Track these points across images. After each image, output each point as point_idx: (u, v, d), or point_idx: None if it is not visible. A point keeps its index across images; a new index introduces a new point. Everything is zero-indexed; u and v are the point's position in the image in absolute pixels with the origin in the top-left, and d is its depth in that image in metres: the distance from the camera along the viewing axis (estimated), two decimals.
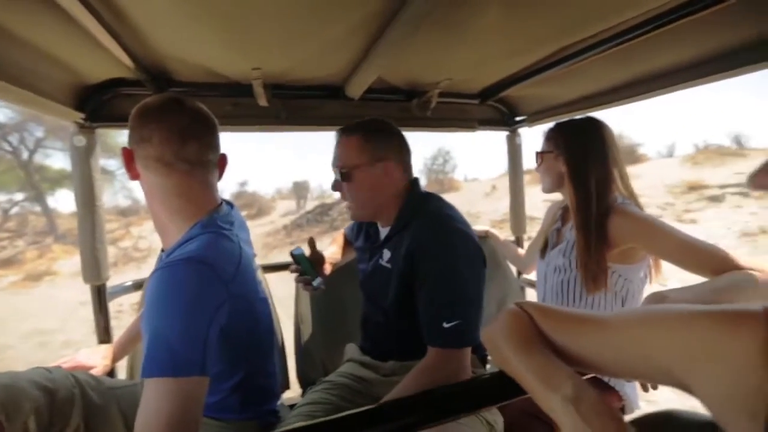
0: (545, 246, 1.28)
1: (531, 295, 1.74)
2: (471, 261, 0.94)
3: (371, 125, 1.06)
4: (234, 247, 0.80)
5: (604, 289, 1.08)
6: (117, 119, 1.21)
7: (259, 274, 1.01)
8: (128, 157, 0.82)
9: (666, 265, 1.12)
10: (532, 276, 1.64)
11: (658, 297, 0.82)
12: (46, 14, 0.74)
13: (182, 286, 0.67)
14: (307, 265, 1.10)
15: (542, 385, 0.43)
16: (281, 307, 1.37)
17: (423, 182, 1.20)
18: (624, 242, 1.05)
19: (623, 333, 0.44)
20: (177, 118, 0.80)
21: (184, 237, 0.79)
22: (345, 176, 1.04)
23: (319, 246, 1.21)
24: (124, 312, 5.00)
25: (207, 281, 0.70)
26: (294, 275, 1.12)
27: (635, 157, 15.00)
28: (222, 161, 0.90)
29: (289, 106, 1.36)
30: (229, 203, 0.91)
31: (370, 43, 0.96)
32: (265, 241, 12.11)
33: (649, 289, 1.06)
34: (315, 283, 1.07)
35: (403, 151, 1.08)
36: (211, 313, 0.68)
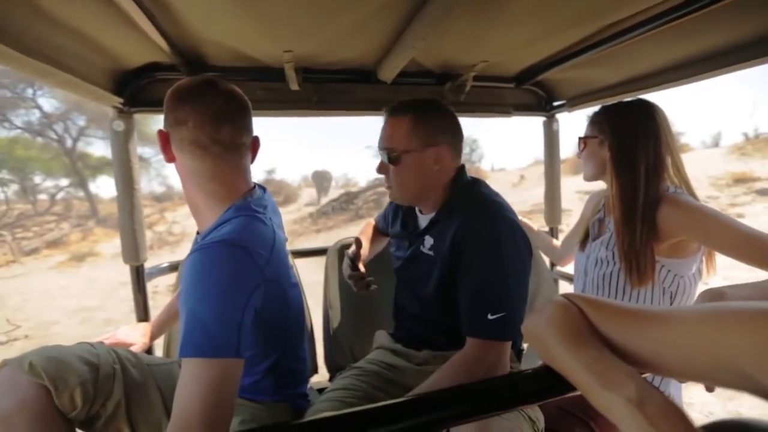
0: (585, 237, 1.22)
1: (564, 288, 1.68)
2: (519, 251, 0.90)
3: (423, 106, 0.99)
4: (268, 230, 0.80)
5: (650, 283, 1.01)
6: (153, 104, 1.23)
7: (290, 259, 1.01)
8: (164, 140, 0.82)
9: None
10: (567, 269, 1.57)
11: (715, 294, 0.75)
12: None
13: (218, 268, 0.68)
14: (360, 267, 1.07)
15: (599, 384, 0.40)
16: (308, 292, 1.37)
17: None
18: (675, 234, 0.98)
19: (689, 330, 0.40)
20: (211, 100, 0.79)
21: (219, 220, 0.79)
22: (392, 159, 0.99)
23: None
24: (160, 293, 5.24)
25: (242, 265, 0.70)
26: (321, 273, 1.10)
27: None
28: (255, 144, 0.90)
29: (321, 90, 1.34)
30: (261, 187, 0.91)
31: (402, 24, 0.92)
32: (292, 228, 12.32)
33: (700, 286, 0.99)
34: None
35: (455, 136, 1.02)
36: (247, 296, 0.68)
